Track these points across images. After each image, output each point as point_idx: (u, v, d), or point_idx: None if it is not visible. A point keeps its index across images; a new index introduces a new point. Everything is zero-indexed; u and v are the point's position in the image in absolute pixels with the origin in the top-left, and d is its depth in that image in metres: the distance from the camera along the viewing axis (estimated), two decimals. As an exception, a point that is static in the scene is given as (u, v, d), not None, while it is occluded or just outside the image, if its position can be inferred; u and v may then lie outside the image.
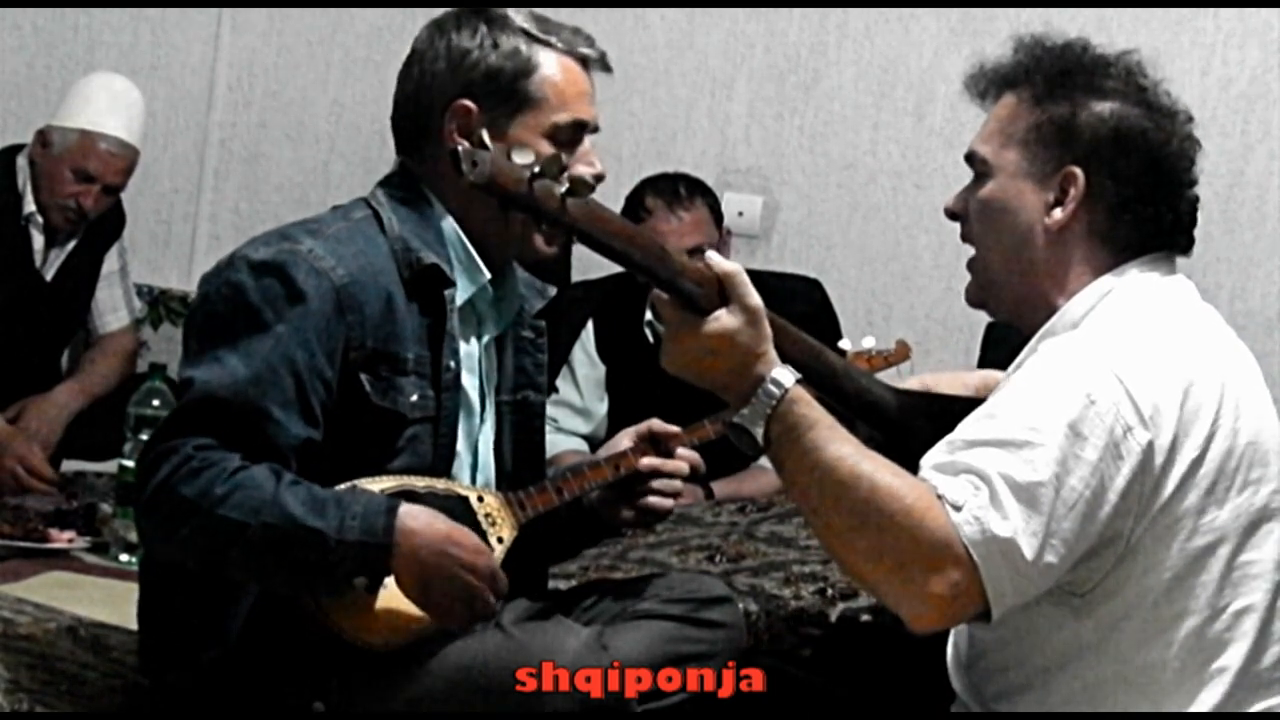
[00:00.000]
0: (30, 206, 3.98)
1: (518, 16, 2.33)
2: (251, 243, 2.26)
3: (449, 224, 2.31)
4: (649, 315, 3.87)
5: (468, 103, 2.28)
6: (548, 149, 2.22)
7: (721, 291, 1.86)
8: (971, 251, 2.08)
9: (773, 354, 1.86)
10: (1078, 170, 1.99)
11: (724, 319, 1.85)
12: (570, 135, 2.31)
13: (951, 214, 2.09)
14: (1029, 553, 1.79)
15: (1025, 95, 2.03)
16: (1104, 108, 2.00)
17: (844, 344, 2.70)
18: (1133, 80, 2.04)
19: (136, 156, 4.01)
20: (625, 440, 2.46)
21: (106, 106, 3.97)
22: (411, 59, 2.37)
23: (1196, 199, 2.05)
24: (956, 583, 1.78)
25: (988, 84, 2.07)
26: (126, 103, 4.00)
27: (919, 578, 1.79)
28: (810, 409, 1.85)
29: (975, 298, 2.09)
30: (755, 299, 1.87)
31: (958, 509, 1.79)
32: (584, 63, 2.34)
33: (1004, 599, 1.81)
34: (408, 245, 2.26)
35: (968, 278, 2.10)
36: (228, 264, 2.22)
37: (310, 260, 2.19)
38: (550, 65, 2.30)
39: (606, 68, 2.37)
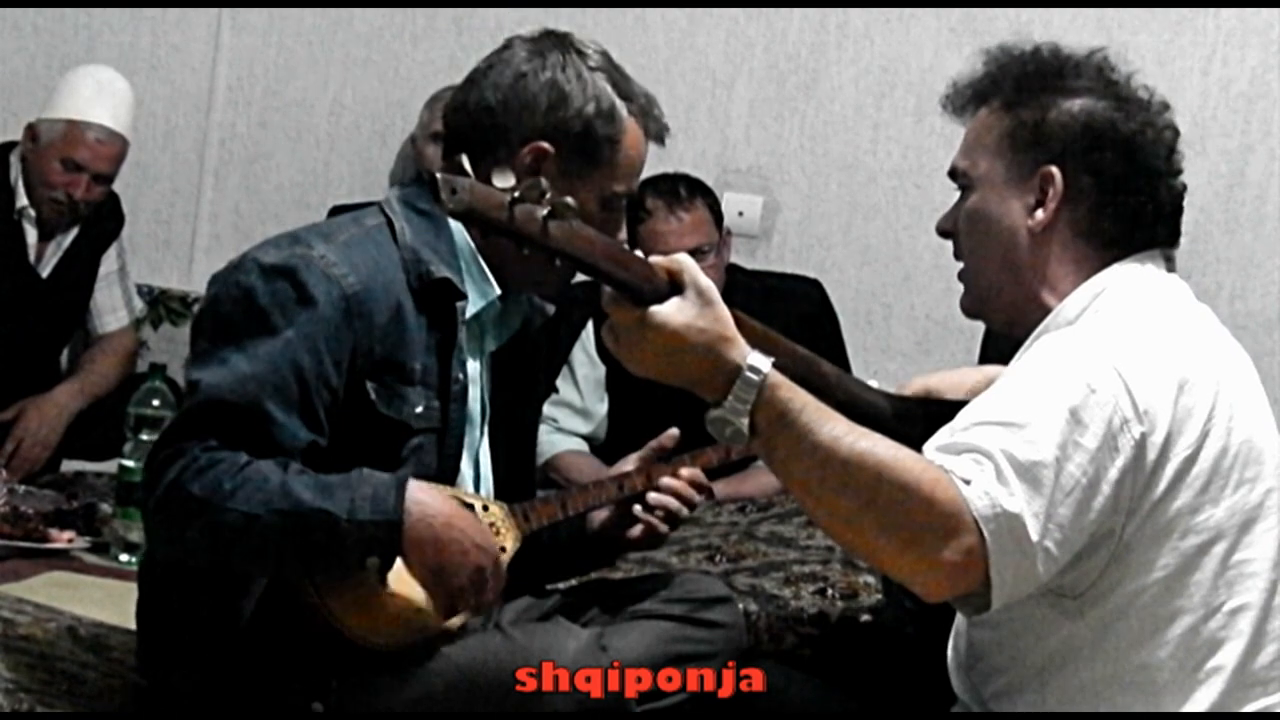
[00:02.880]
0: (23, 200, 3.99)
1: (603, 61, 2.31)
2: (263, 245, 2.25)
3: (462, 237, 2.30)
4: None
5: (548, 146, 2.27)
6: (596, 210, 2.24)
7: (671, 285, 1.81)
8: (961, 265, 2.09)
9: (741, 340, 1.82)
10: (1054, 169, 2.00)
11: (681, 309, 1.79)
12: (620, 204, 2.32)
13: (944, 233, 2.10)
14: (1033, 534, 1.78)
15: (996, 105, 2.04)
16: (1073, 105, 2.01)
17: None
18: (1102, 76, 2.04)
19: (125, 145, 4.01)
20: (629, 463, 2.47)
21: (92, 96, 3.97)
22: (505, 71, 2.30)
23: (1182, 187, 2.05)
24: (970, 549, 1.77)
25: (963, 100, 2.09)
26: (112, 91, 4.01)
27: (932, 548, 1.77)
28: (793, 392, 1.81)
29: (970, 309, 2.10)
30: (705, 280, 1.82)
31: (968, 483, 1.78)
32: (649, 134, 2.34)
33: (1005, 578, 1.79)
34: (419, 256, 2.25)
35: (968, 278, 2.11)
36: (238, 265, 2.22)
37: (322, 265, 2.19)
38: (630, 132, 2.31)
39: (662, 141, 2.36)
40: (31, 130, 3.98)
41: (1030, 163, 2.01)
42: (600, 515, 2.48)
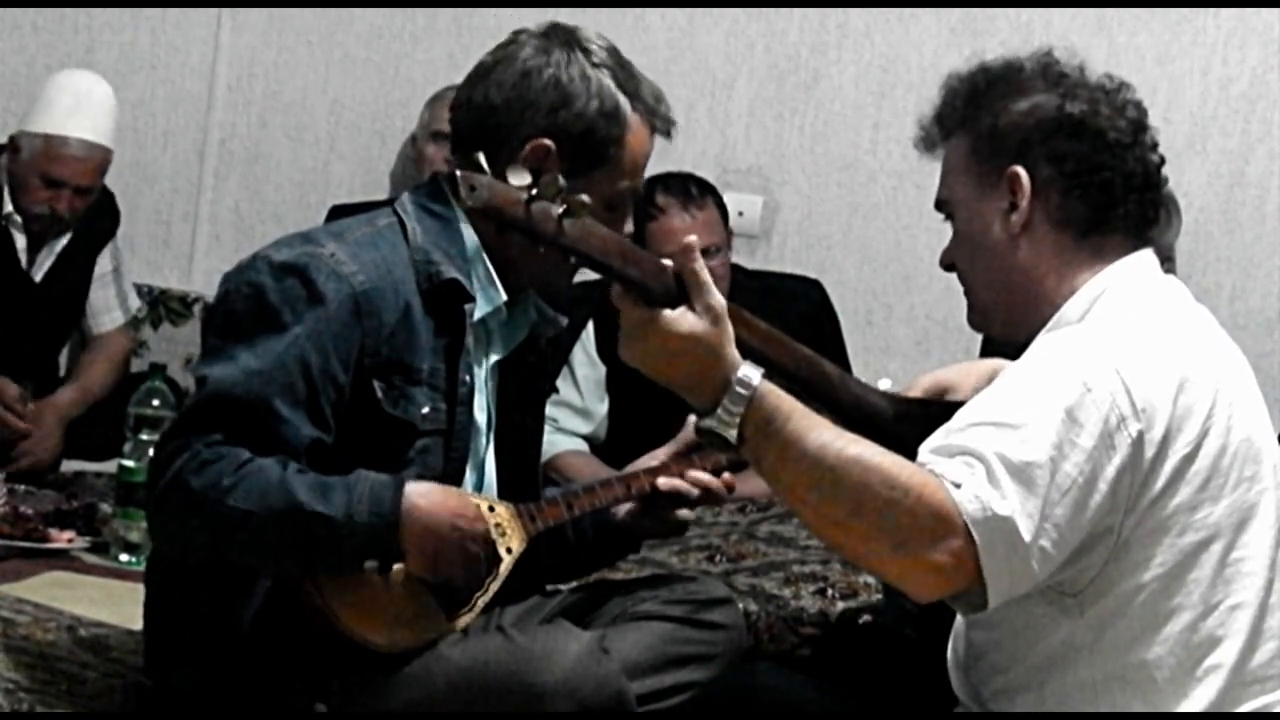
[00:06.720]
0: (8, 207, 3.97)
1: (609, 57, 2.32)
2: (275, 244, 2.26)
3: (472, 240, 2.30)
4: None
5: (550, 144, 2.27)
6: (601, 210, 2.22)
7: (681, 288, 1.83)
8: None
9: (734, 352, 1.84)
10: (1017, 169, 2.01)
11: (689, 318, 1.82)
12: (625, 200, 2.33)
13: (948, 266, 2.12)
14: (1026, 534, 1.79)
15: (955, 129, 2.09)
16: (1020, 104, 2.03)
17: None
18: (1049, 71, 2.06)
19: (107, 155, 3.97)
20: (654, 458, 2.47)
21: (70, 109, 3.92)
22: (509, 69, 2.30)
23: (1157, 159, 2.05)
24: (958, 550, 1.78)
25: (933, 137, 2.13)
26: (91, 103, 3.96)
27: (922, 550, 1.78)
28: (781, 400, 1.83)
29: (978, 324, 2.11)
30: (718, 297, 1.84)
31: (958, 486, 1.79)
32: (654, 130, 2.35)
33: (1000, 580, 1.80)
34: (429, 258, 2.25)
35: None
36: (249, 264, 2.22)
37: (332, 264, 2.19)
38: (634, 130, 2.31)
39: (669, 135, 2.37)
40: (14, 141, 3.95)
41: (994, 170, 2.03)
42: (622, 508, 2.47)
